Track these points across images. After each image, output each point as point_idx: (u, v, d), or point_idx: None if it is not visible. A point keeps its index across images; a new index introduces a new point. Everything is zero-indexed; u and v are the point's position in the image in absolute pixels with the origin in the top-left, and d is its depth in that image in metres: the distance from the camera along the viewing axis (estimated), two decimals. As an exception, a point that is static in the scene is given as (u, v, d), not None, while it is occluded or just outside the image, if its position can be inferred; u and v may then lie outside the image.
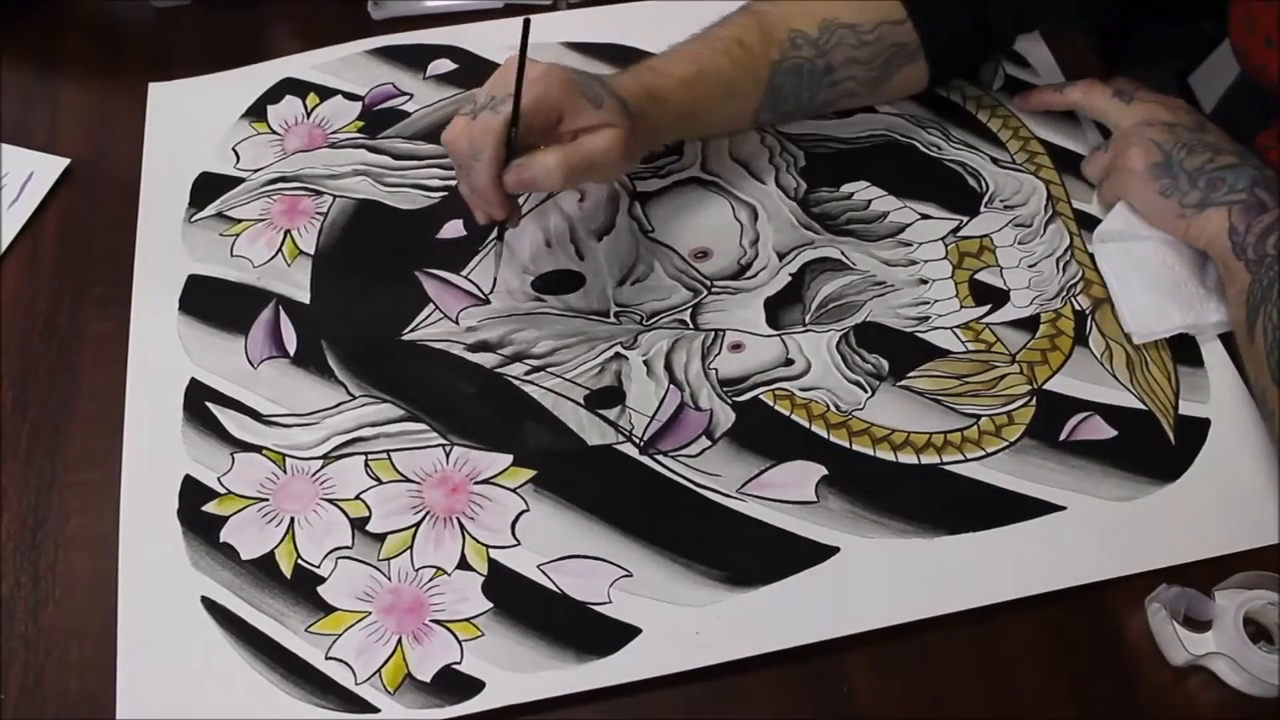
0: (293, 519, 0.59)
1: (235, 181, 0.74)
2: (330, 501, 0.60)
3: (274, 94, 0.79)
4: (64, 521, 0.60)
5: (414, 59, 0.81)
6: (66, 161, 0.75)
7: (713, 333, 0.66)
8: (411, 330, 0.66)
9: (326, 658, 0.55)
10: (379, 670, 0.54)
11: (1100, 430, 0.62)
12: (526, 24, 0.56)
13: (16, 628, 0.57)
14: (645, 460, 0.61)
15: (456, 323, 0.67)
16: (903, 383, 0.64)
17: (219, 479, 0.60)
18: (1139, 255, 0.67)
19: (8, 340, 0.67)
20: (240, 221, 0.72)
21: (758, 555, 0.58)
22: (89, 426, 0.64)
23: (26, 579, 0.58)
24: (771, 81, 0.68)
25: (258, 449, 0.62)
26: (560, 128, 0.59)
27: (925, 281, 0.68)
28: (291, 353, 0.66)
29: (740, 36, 0.67)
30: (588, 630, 0.55)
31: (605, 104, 0.59)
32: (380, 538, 0.58)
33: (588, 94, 0.59)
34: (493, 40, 0.81)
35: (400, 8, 0.84)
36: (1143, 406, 0.63)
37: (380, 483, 0.60)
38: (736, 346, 0.65)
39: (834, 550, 0.58)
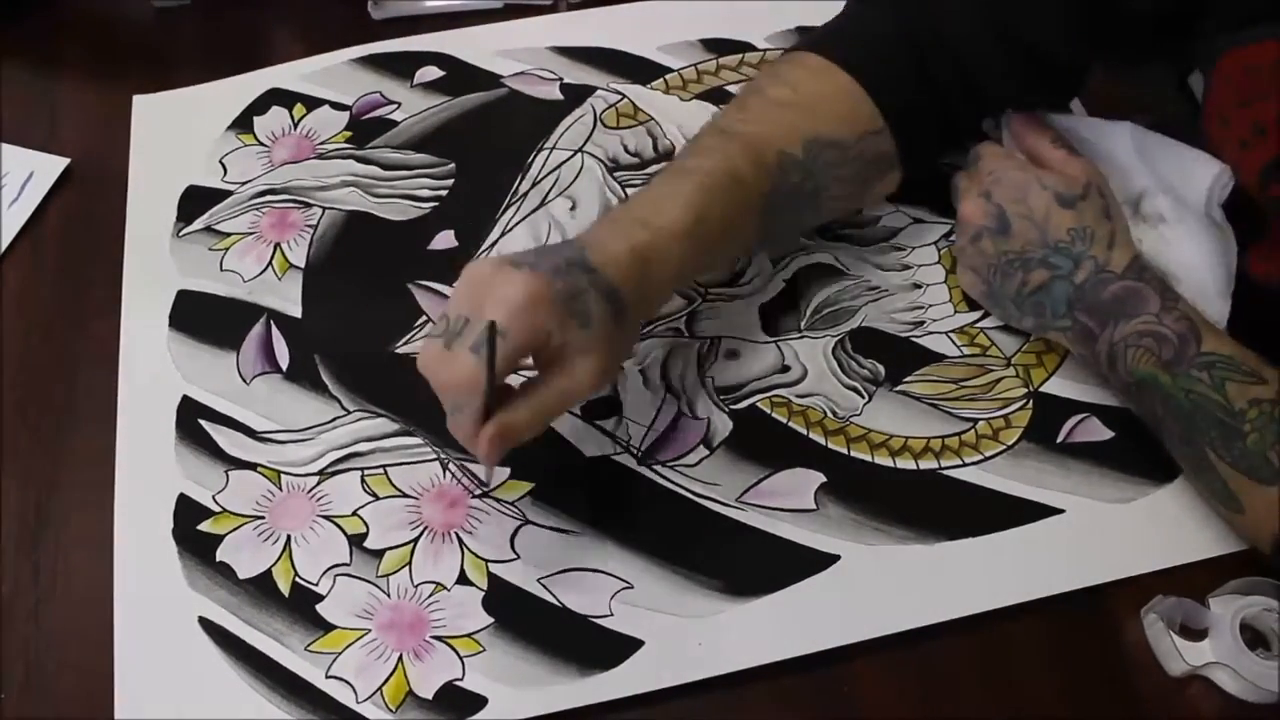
0: (289, 537, 0.59)
1: (223, 195, 0.73)
2: (327, 518, 0.59)
3: (260, 105, 0.78)
4: (64, 521, 0.60)
5: (401, 67, 0.80)
6: (66, 161, 0.75)
7: (708, 340, 0.66)
8: (405, 343, 0.66)
9: (327, 676, 0.54)
10: (380, 688, 0.54)
11: (1097, 432, 0.62)
12: (492, 328, 0.50)
13: (16, 627, 0.56)
14: (643, 471, 0.61)
15: (450, 334, 0.66)
16: (899, 388, 0.64)
17: (214, 497, 0.60)
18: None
19: (8, 340, 0.67)
20: (229, 235, 0.71)
21: (758, 565, 0.57)
22: (89, 426, 0.63)
23: (27, 579, 0.58)
24: (765, 213, 0.61)
25: (252, 466, 0.61)
26: (550, 342, 0.52)
27: (919, 286, 0.68)
28: (284, 368, 0.65)
29: (731, 168, 0.59)
30: (589, 644, 0.55)
31: (593, 323, 0.52)
32: (378, 554, 0.58)
33: (573, 310, 0.52)
34: (480, 46, 0.81)
35: (401, 8, 0.84)
36: (1139, 407, 0.63)
37: (377, 498, 0.60)
38: (732, 354, 0.65)
39: (834, 558, 0.58)
